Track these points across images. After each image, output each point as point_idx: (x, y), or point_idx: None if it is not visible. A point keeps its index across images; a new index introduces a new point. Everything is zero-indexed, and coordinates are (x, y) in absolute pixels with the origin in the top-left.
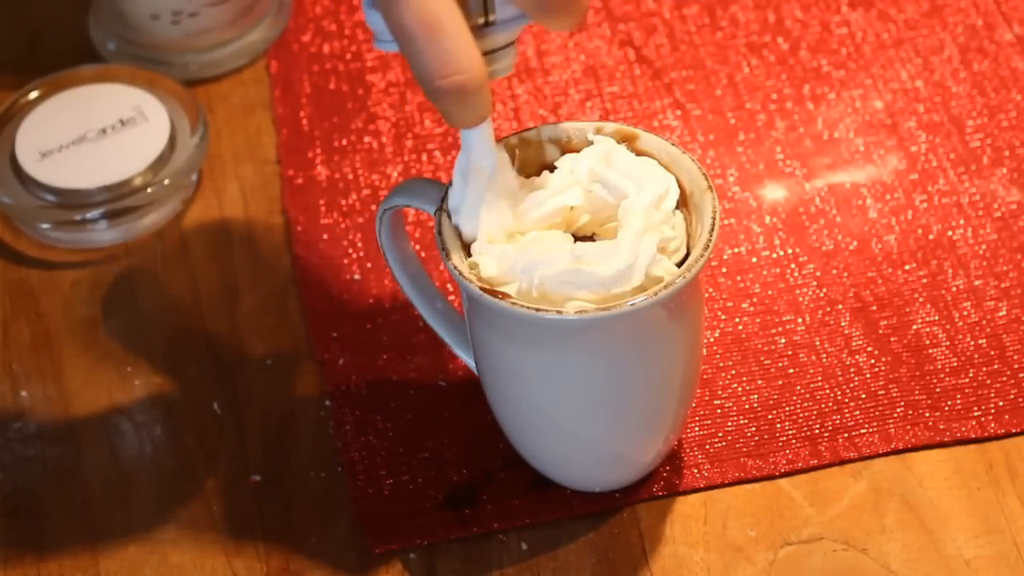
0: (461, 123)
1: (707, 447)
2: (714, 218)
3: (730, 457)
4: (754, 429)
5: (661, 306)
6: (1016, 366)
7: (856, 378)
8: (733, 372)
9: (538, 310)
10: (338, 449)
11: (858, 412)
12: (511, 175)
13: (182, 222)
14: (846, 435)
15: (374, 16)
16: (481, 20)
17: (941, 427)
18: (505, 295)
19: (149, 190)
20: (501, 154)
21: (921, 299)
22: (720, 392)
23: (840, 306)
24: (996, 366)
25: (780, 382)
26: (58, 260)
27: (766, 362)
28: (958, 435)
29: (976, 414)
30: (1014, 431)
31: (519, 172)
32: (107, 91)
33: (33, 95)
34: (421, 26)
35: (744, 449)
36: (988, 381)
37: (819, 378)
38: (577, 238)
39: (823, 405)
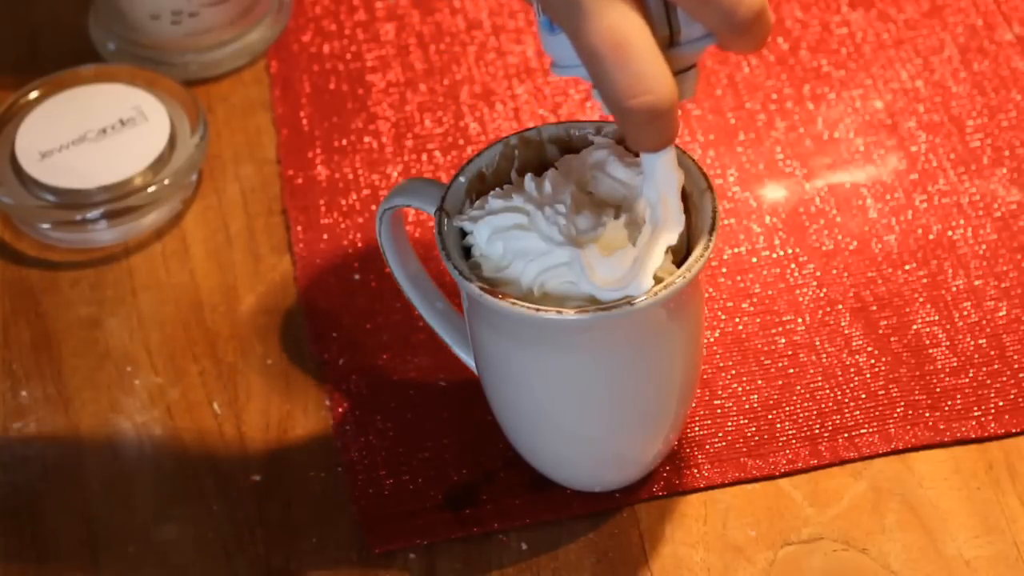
0: (649, 146)
1: (707, 447)
2: (714, 218)
3: (730, 457)
4: (754, 429)
5: (661, 306)
6: (1016, 366)
7: (856, 378)
8: (733, 372)
9: (538, 310)
10: (338, 449)
11: (858, 412)
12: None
13: (182, 222)
14: (846, 435)
15: (552, 40)
16: (667, 40)
17: (941, 427)
18: (505, 295)
19: (149, 190)
20: (681, 176)
21: (921, 299)
22: (720, 392)
23: (840, 306)
24: (996, 366)
25: (780, 382)
26: (58, 260)
27: (766, 362)
28: (958, 435)
29: (976, 414)
30: (1014, 431)
31: (519, 172)
32: (107, 91)
33: (33, 95)
34: (609, 45)
35: (744, 449)
36: (988, 381)
37: (819, 378)
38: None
39: (823, 405)
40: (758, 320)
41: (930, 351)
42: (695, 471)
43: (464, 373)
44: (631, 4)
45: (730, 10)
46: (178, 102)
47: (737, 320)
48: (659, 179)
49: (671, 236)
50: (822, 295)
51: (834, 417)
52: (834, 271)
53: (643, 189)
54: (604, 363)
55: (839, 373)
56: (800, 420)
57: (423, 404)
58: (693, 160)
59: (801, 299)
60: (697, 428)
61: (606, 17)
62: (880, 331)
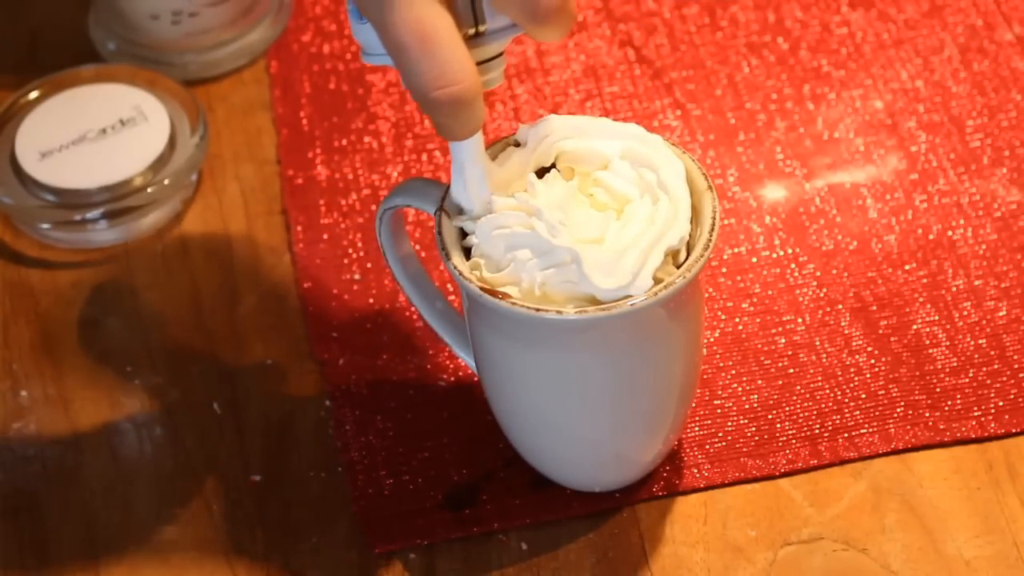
0: (455, 135)
1: (707, 447)
2: (714, 218)
3: (730, 457)
4: (754, 429)
5: (661, 306)
6: (1016, 366)
7: (856, 378)
8: (733, 372)
9: (538, 310)
10: (338, 449)
11: (858, 412)
12: (500, 172)
13: (182, 222)
14: (846, 435)
15: (361, 28)
16: (472, 31)
17: (941, 427)
18: (505, 295)
19: (149, 190)
20: (489, 164)
21: (921, 299)
22: (720, 392)
23: (840, 306)
24: (996, 366)
25: (780, 382)
26: (58, 260)
27: (766, 362)
28: (958, 435)
29: (976, 414)
30: (1014, 431)
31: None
32: (107, 91)
33: (33, 95)
34: (414, 37)
35: (744, 449)
36: (988, 381)
37: (819, 378)
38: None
39: (823, 405)
40: (758, 320)
41: (930, 351)
42: (695, 471)
43: (464, 373)
44: None
45: (532, 1)
46: (178, 102)
47: (737, 320)
48: (466, 166)
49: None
50: (822, 295)
51: (834, 417)
52: (834, 271)
53: (452, 176)
54: (604, 363)
55: (839, 373)
56: (800, 420)
57: (423, 404)
58: (693, 160)
59: (801, 299)
60: (697, 428)
61: (411, 9)
62: (880, 331)
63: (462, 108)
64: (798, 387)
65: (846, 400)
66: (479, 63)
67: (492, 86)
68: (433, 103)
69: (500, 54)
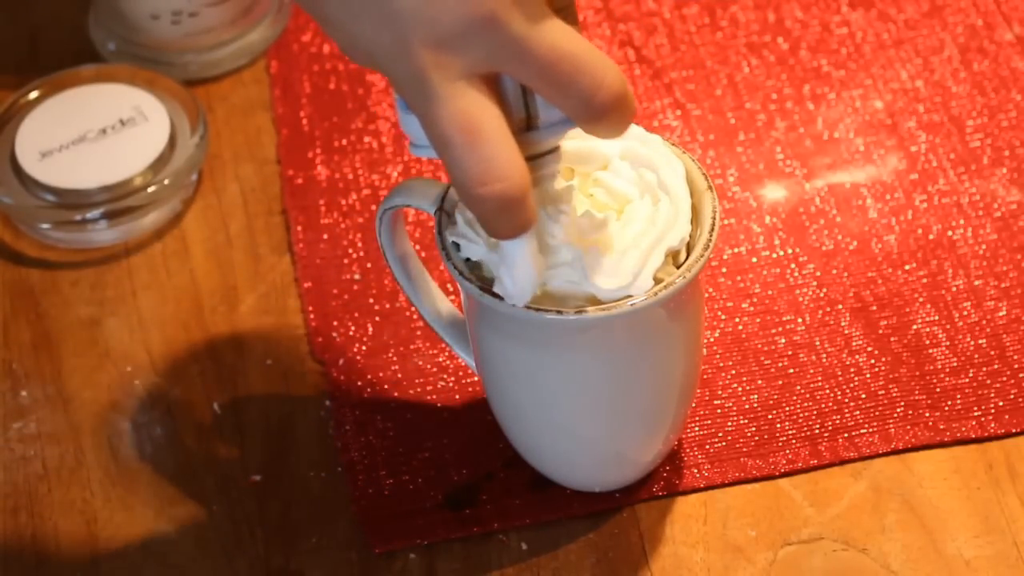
0: (502, 234)
1: (707, 447)
2: (714, 218)
3: (730, 457)
4: (754, 429)
5: (661, 306)
6: (1016, 366)
7: (856, 378)
8: (733, 372)
9: (538, 310)
10: (338, 449)
11: (858, 412)
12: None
13: (182, 222)
14: (846, 435)
15: (408, 120)
16: (523, 123)
17: (941, 427)
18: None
19: (149, 190)
20: (539, 259)
21: (921, 299)
22: (720, 392)
23: (840, 306)
24: (996, 366)
25: (780, 382)
26: (58, 260)
27: (766, 362)
28: (958, 435)
29: (976, 414)
30: (1014, 431)
31: None
32: (107, 91)
33: (33, 95)
34: (459, 130)
35: (744, 449)
36: (988, 381)
37: (819, 378)
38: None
39: (823, 405)
40: (758, 320)
41: (930, 351)
42: (695, 471)
43: (464, 373)
44: (484, 89)
45: (588, 96)
46: (178, 102)
47: (737, 320)
48: (515, 265)
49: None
50: (822, 295)
51: (834, 417)
52: (834, 271)
53: (501, 260)
54: (604, 363)
55: (839, 373)
56: (800, 420)
57: (423, 404)
58: (693, 160)
59: (801, 299)
60: (697, 428)
61: (457, 101)
62: (880, 331)
63: (508, 206)
64: (798, 387)
65: (846, 400)
66: (531, 158)
67: (543, 184)
68: (477, 200)
69: (555, 148)
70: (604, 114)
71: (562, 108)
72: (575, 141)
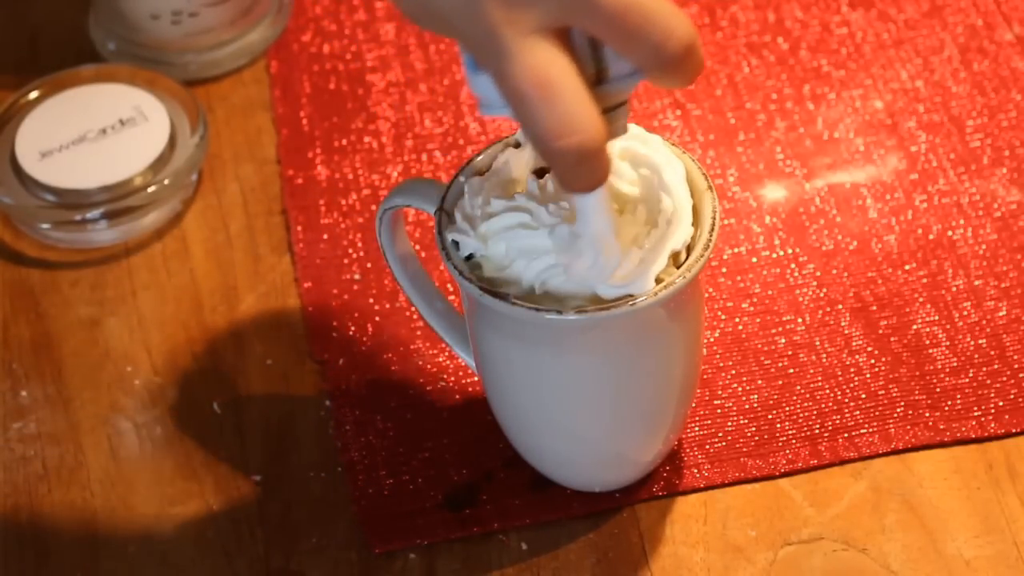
0: (579, 187)
1: (707, 447)
2: (714, 218)
3: (730, 457)
4: (754, 429)
5: (661, 306)
6: (1016, 366)
7: (856, 378)
8: (733, 372)
9: (538, 310)
10: (338, 449)
11: (858, 412)
12: (618, 221)
13: (182, 222)
14: (846, 435)
15: (478, 81)
16: (593, 76)
17: (941, 427)
18: (505, 295)
19: (149, 190)
20: (615, 215)
21: (921, 299)
22: (720, 392)
23: (840, 306)
24: (996, 366)
25: (780, 382)
26: (58, 260)
27: (766, 362)
28: (958, 435)
29: (976, 414)
30: (1014, 431)
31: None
32: (107, 91)
33: (33, 95)
34: (534, 85)
35: (744, 449)
36: (988, 381)
37: (819, 378)
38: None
39: (823, 405)
40: (758, 320)
41: (930, 351)
42: (695, 471)
43: (464, 373)
44: (555, 43)
45: (658, 46)
46: (178, 102)
47: (737, 320)
48: (592, 220)
49: (602, 237)
50: (822, 295)
51: (834, 417)
52: (834, 271)
53: (577, 228)
54: (604, 363)
55: (839, 373)
56: (800, 420)
57: (423, 404)
58: (693, 160)
59: (801, 299)
60: (697, 428)
61: (530, 56)
62: (880, 331)
63: (586, 159)
64: (798, 387)
65: (846, 400)
66: (603, 111)
67: (617, 136)
68: (555, 153)
69: (624, 102)
70: (674, 64)
71: (632, 59)
72: None
